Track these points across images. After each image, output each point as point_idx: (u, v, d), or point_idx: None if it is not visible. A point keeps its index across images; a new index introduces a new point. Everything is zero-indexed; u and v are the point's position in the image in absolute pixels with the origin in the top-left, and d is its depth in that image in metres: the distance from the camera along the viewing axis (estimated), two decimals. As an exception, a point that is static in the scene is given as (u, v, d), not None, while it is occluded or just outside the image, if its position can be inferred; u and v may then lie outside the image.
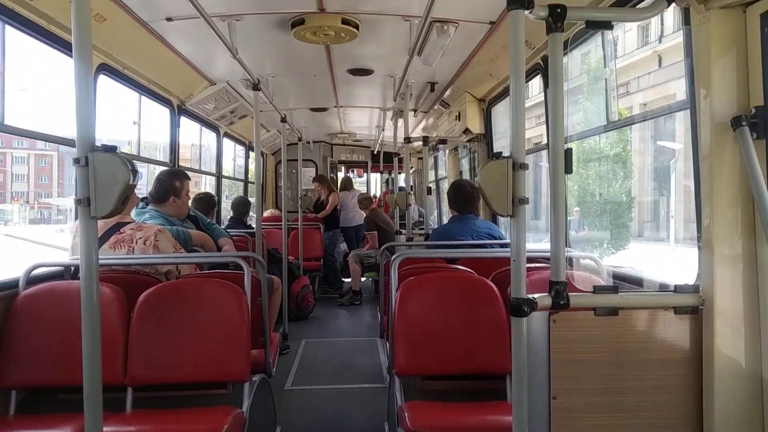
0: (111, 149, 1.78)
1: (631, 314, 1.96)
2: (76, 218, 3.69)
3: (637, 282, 2.77)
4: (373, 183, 13.55)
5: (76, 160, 1.75)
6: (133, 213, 3.96)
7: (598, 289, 1.95)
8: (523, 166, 1.83)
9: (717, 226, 1.88)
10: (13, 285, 2.99)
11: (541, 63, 3.92)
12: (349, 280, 8.41)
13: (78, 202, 1.75)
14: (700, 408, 1.92)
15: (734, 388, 1.85)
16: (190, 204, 4.50)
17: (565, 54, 2.03)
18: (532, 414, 1.85)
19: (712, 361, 1.86)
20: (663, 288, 2.18)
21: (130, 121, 5.00)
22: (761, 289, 1.86)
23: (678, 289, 1.94)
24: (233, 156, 8.86)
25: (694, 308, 1.92)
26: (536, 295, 1.83)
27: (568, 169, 1.95)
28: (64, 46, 3.23)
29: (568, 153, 1.95)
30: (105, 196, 1.76)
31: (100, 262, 3.16)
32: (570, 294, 1.87)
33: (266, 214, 9.33)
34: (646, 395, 1.94)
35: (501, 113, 5.51)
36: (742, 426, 1.84)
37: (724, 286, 1.87)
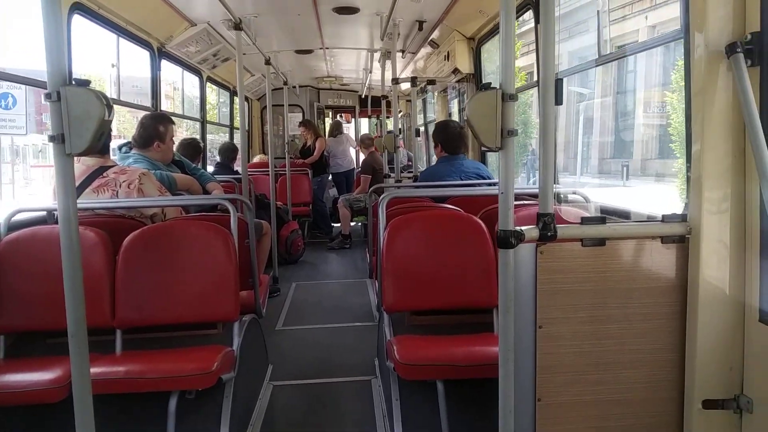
0: (84, 83, 1.71)
1: (618, 245, 1.96)
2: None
3: (624, 215, 2.78)
4: (362, 129, 13.28)
5: (48, 95, 1.68)
6: (116, 157, 3.88)
7: (585, 220, 1.94)
8: (513, 97, 1.78)
9: (707, 156, 1.86)
10: None
11: (532, -3, 3.79)
12: (338, 225, 8.41)
13: (51, 138, 1.69)
14: (683, 334, 1.95)
15: (718, 315, 1.88)
16: (175, 149, 4.42)
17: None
18: (518, 343, 1.87)
19: (696, 289, 1.88)
20: (650, 218, 2.18)
21: (109, 66, 4.85)
22: (748, 219, 1.87)
23: (665, 219, 1.94)
24: (217, 101, 8.68)
25: (681, 237, 1.93)
26: (524, 228, 1.83)
27: (558, 100, 1.91)
28: None
29: (558, 83, 1.90)
30: (79, 133, 1.69)
31: (84, 205, 3.14)
32: (557, 226, 1.87)
33: (255, 160, 9.25)
34: (630, 323, 1.97)
35: (491, 52, 5.38)
36: (723, 352, 1.88)
37: (711, 215, 1.87)
